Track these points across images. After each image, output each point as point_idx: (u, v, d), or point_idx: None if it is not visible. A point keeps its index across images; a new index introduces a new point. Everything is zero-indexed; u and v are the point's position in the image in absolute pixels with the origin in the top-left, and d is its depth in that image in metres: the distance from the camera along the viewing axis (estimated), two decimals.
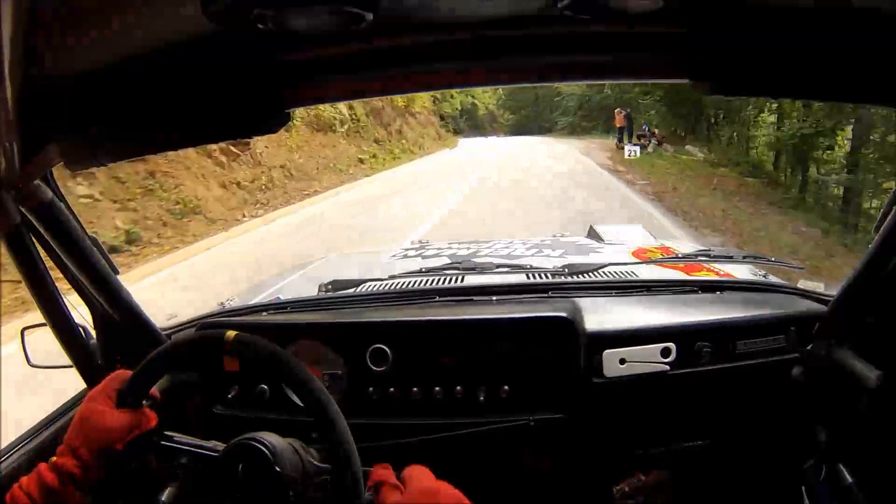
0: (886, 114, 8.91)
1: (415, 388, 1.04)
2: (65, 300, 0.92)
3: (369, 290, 1.33)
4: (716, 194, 9.98)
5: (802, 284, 1.26)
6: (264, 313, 1.21)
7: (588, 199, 8.53)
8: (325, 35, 0.63)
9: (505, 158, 16.31)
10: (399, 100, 17.50)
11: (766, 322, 1.09)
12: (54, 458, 0.65)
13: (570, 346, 1.03)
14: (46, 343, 0.99)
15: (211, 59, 0.65)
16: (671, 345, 1.04)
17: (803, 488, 1.08)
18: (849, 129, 10.87)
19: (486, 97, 32.06)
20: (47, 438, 0.93)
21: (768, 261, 1.51)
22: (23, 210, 0.78)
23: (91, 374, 0.97)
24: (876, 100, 0.73)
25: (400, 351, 1.04)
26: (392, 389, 1.04)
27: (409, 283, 1.36)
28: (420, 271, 1.42)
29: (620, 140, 17.41)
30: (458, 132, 29.55)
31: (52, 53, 0.57)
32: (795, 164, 12.59)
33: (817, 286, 1.24)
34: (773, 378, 1.08)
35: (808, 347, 1.05)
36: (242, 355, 0.70)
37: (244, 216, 8.24)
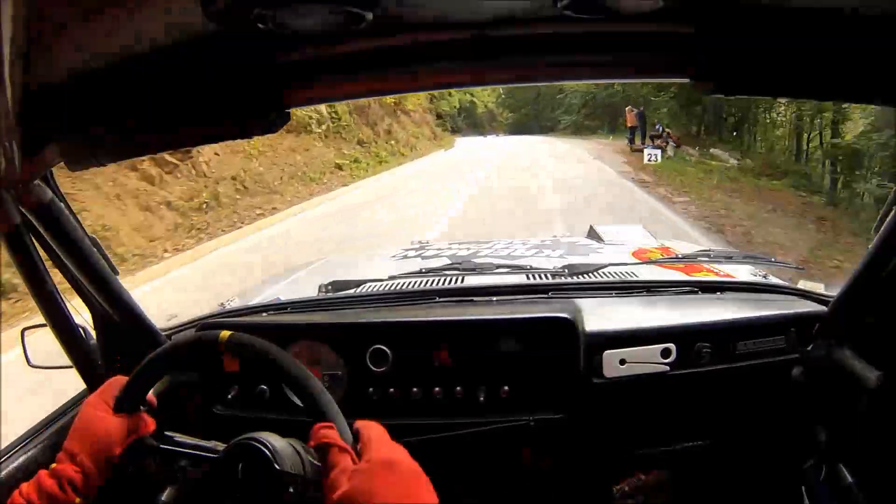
0: None
1: (415, 389, 1.04)
2: (65, 300, 0.92)
3: (369, 290, 1.33)
4: (782, 217, 7.84)
5: (802, 285, 1.26)
6: (264, 314, 1.21)
7: None
8: (325, 35, 0.63)
9: (505, 161, 15.13)
10: (389, 97, 15.33)
11: (766, 322, 1.09)
12: (54, 465, 0.66)
13: (570, 346, 1.03)
14: (47, 343, 0.99)
15: (211, 59, 0.65)
16: (671, 345, 1.04)
17: (803, 488, 1.08)
18: None
19: (484, 95, 30.25)
20: (48, 439, 0.93)
21: (768, 261, 1.51)
22: (23, 210, 0.78)
23: (91, 374, 0.97)
24: (876, 100, 0.73)
25: (400, 351, 1.04)
26: (392, 390, 1.04)
27: (410, 283, 1.36)
28: (420, 272, 1.42)
29: (632, 141, 16.26)
30: (456, 131, 28.78)
31: (52, 54, 0.57)
32: (850, 175, 10.11)
33: (817, 286, 1.24)
34: (773, 378, 1.08)
35: (809, 348, 1.05)
36: (236, 354, 0.71)
37: (166, 251, 6.13)
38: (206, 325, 1.13)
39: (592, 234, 2.23)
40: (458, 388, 1.04)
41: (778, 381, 1.07)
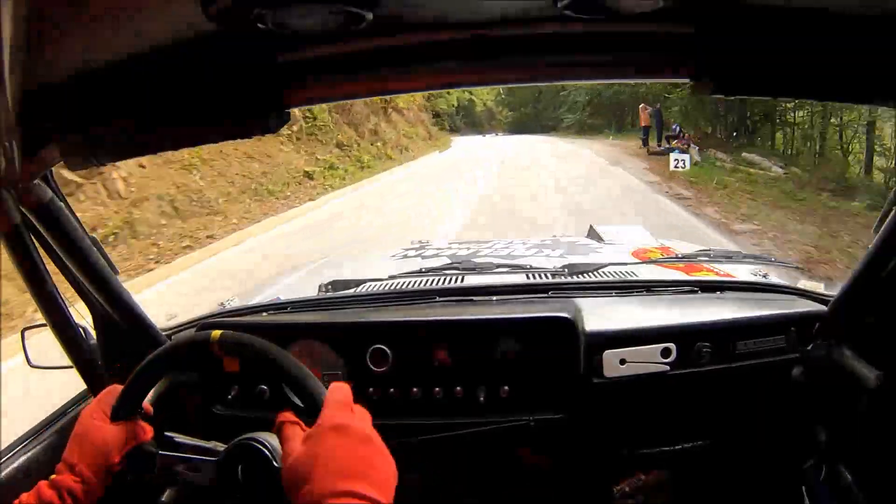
0: None
1: (415, 389, 1.04)
2: (65, 300, 0.92)
3: (369, 290, 1.33)
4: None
5: (802, 284, 1.26)
6: (264, 313, 1.21)
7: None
8: (325, 35, 0.63)
9: (507, 166, 13.05)
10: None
11: (766, 322, 1.09)
12: (53, 476, 0.66)
13: (570, 346, 1.03)
14: (47, 344, 0.99)
15: (211, 59, 0.65)
16: (671, 345, 1.04)
17: (803, 488, 1.08)
18: None
19: (483, 93, 28.16)
20: (48, 439, 0.93)
21: (768, 261, 1.51)
22: (23, 210, 0.78)
23: (91, 374, 0.97)
24: (876, 100, 0.73)
25: (400, 351, 1.04)
26: (392, 390, 1.04)
27: (409, 283, 1.36)
28: (420, 271, 1.42)
29: (646, 142, 14.76)
30: (454, 130, 27.47)
31: (52, 53, 0.57)
32: None
33: (817, 286, 1.24)
34: (773, 378, 1.08)
35: (808, 347, 1.05)
36: (228, 351, 0.71)
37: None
38: (205, 324, 1.13)
39: (592, 234, 2.23)
40: (458, 388, 1.04)
41: (778, 381, 1.07)
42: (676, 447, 1.11)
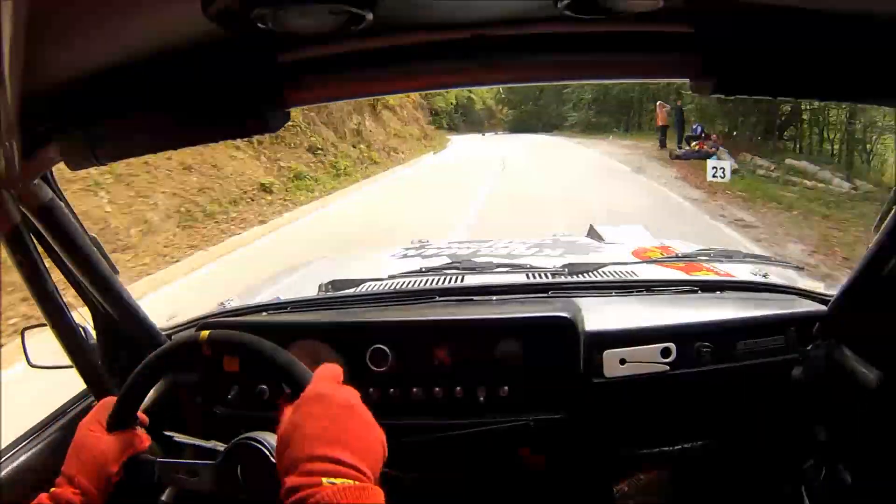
0: None
1: (415, 389, 1.04)
2: (65, 300, 0.92)
3: (369, 289, 1.33)
4: None
5: (802, 284, 1.26)
6: (264, 313, 1.21)
7: None
8: (325, 35, 0.63)
9: (511, 172, 11.36)
10: None
11: (766, 322, 1.09)
12: (53, 489, 0.66)
13: (570, 346, 1.03)
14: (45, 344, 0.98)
15: (211, 59, 0.65)
16: (671, 345, 1.04)
17: (803, 488, 1.08)
18: None
19: (483, 91, 25.91)
20: (48, 439, 0.93)
21: (768, 260, 1.51)
22: (23, 210, 0.78)
23: (91, 374, 0.97)
24: (876, 100, 0.73)
25: (400, 351, 1.04)
26: (392, 390, 1.04)
27: (409, 282, 1.36)
28: (420, 271, 1.42)
29: (663, 144, 13.63)
30: (452, 128, 26.75)
31: (52, 53, 0.57)
32: None
33: (817, 286, 1.24)
34: (773, 378, 1.08)
35: (808, 347, 1.05)
36: (216, 349, 0.72)
37: None
38: (206, 324, 1.13)
39: (592, 234, 2.23)
40: (458, 388, 1.04)
41: (778, 381, 1.07)
42: (676, 447, 1.11)
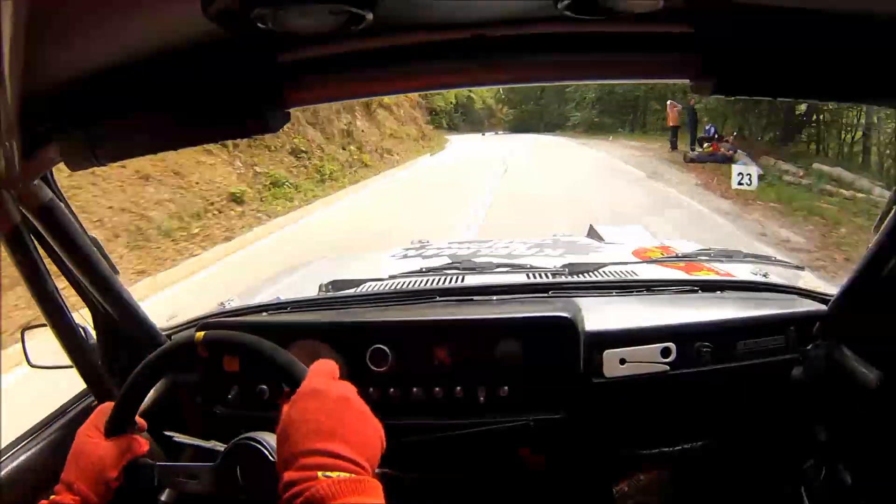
0: None
1: (415, 389, 1.04)
2: (65, 300, 0.92)
3: (369, 289, 1.33)
4: None
5: (802, 284, 1.26)
6: (264, 313, 1.21)
7: None
8: (325, 35, 0.63)
9: (515, 176, 10.75)
10: None
11: (766, 322, 1.09)
12: (53, 497, 0.66)
13: (570, 346, 1.03)
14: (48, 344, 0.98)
15: (211, 59, 0.65)
16: (671, 345, 1.04)
17: (803, 488, 1.08)
18: None
19: (483, 90, 24.13)
20: (48, 439, 0.93)
21: (769, 260, 1.51)
22: (23, 210, 0.78)
23: (91, 374, 0.97)
24: (876, 100, 0.73)
25: (400, 351, 1.04)
26: (392, 390, 1.04)
27: (409, 282, 1.36)
28: (420, 271, 1.42)
29: (674, 146, 12.79)
30: (452, 128, 26.31)
31: (52, 53, 0.57)
32: None
33: (817, 286, 1.24)
34: (773, 378, 1.08)
35: (808, 347, 1.05)
36: (211, 350, 0.72)
37: None
38: (206, 324, 1.13)
39: (592, 234, 2.23)
40: (458, 388, 1.04)
41: (778, 381, 1.07)
42: (676, 447, 1.11)
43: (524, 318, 1.06)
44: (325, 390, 0.57)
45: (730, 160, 9.76)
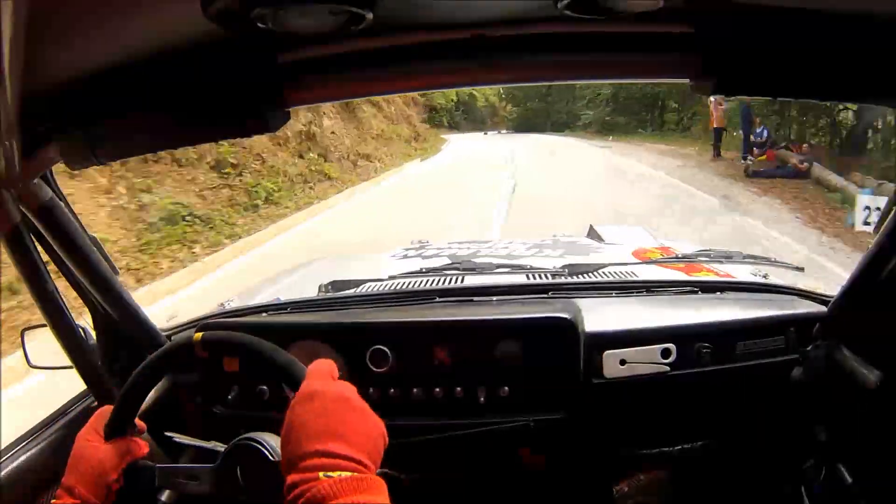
0: None
1: (415, 389, 1.04)
2: (65, 300, 0.92)
3: (369, 290, 1.33)
4: None
5: (802, 285, 1.26)
6: (264, 314, 1.21)
7: None
8: (325, 35, 0.63)
9: (524, 212, 6.51)
10: None
11: (765, 323, 1.09)
12: (54, 501, 0.66)
13: (570, 346, 1.03)
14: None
15: (211, 59, 0.65)
16: (671, 345, 1.04)
17: (803, 488, 1.08)
18: None
19: (485, 88, 18.77)
20: (48, 439, 0.93)
21: (768, 261, 1.51)
22: (23, 210, 0.78)
23: (91, 374, 0.97)
24: (876, 100, 0.73)
25: (400, 352, 1.04)
26: (392, 390, 1.04)
27: (409, 283, 1.36)
28: (420, 271, 1.42)
29: (718, 153, 10.51)
30: (453, 126, 24.53)
31: (52, 53, 0.57)
32: None
33: (817, 286, 1.24)
34: (773, 379, 1.08)
35: (808, 348, 1.05)
36: (210, 350, 0.72)
37: None
38: (206, 325, 1.13)
39: (592, 234, 2.23)
40: (458, 389, 1.04)
41: (778, 381, 1.07)
42: (676, 447, 1.11)
43: (524, 318, 1.06)
44: (324, 391, 0.57)
45: (804, 175, 7.84)
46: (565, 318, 1.03)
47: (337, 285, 1.36)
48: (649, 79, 0.77)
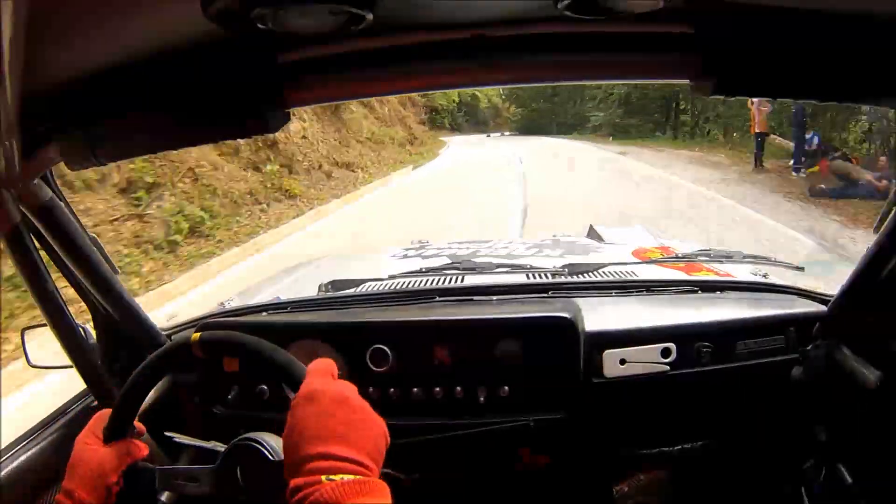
0: None
1: (415, 389, 1.04)
2: (65, 300, 0.92)
3: (369, 289, 1.33)
4: None
5: (803, 284, 1.26)
6: (264, 313, 1.21)
7: None
8: (325, 35, 0.63)
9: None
10: None
11: (765, 322, 1.09)
12: None
13: (570, 346, 1.03)
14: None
15: (211, 59, 0.65)
16: (671, 345, 1.04)
17: (803, 488, 1.09)
18: None
19: (488, 89, 17.93)
20: (48, 439, 0.93)
21: (768, 261, 1.51)
22: (23, 210, 0.78)
23: (91, 374, 0.97)
24: (876, 100, 0.73)
25: (400, 351, 1.04)
26: (392, 390, 1.04)
27: (409, 283, 1.36)
28: (420, 271, 1.42)
29: (759, 161, 9.06)
30: (455, 128, 23.87)
31: (52, 53, 0.57)
32: None
33: (817, 286, 1.24)
34: (773, 378, 1.08)
35: (808, 348, 1.05)
36: (208, 351, 0.72)
37: None
38: (206, 324, 1.13)
39: (592, 234, 2.23)
40: (458, 388, 1.04)
41: (778, 381, 1.07)
42: (676, 447, 1.11)
43: (524, 318, 1.06)
44: (322, 391, 0.57)
45: (881, 196, 6.24)
46: (565, 318, 1.03)
47: (337, 285, 1.36)
48: (649, 79, 0.77)
